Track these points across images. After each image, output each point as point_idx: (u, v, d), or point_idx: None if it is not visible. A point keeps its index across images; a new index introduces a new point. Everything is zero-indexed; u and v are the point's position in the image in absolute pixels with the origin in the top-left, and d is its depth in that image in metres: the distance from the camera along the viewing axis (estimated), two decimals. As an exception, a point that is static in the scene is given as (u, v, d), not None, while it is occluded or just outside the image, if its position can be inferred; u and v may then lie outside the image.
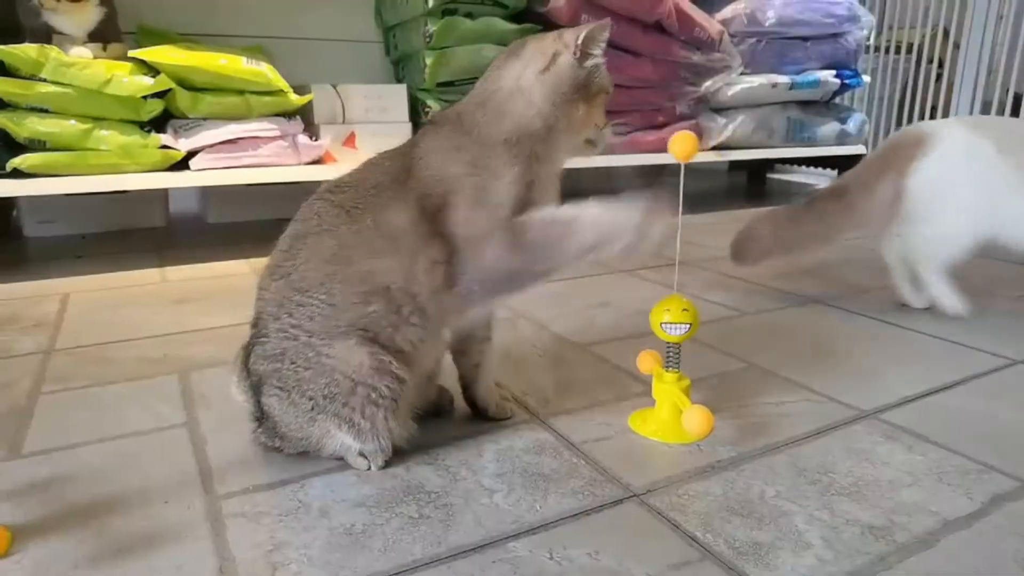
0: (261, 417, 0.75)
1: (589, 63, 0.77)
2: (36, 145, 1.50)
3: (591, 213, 0.72)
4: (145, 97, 1.56)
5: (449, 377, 0.87)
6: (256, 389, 0.74)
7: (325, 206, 0.74)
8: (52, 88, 1.46)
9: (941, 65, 3.04)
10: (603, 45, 0.78)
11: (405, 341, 0.72)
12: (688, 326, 0.80)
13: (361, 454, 0.74)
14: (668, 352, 0.83)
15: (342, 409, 0.71)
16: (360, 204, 0.72)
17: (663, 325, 0.81)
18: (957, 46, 2.93)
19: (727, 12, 2.41)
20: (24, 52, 1.43)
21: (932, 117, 3.06)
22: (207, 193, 2.14)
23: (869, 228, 1.32)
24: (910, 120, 3.15)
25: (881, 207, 1.26)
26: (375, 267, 0.70)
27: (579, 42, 0.76)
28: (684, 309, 0.80)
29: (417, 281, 0.71)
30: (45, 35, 1.53)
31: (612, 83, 0.81)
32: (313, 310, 0.70)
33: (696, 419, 0.77)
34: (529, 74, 0.76)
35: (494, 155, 0.73)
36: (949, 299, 1.25)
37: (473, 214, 0.72)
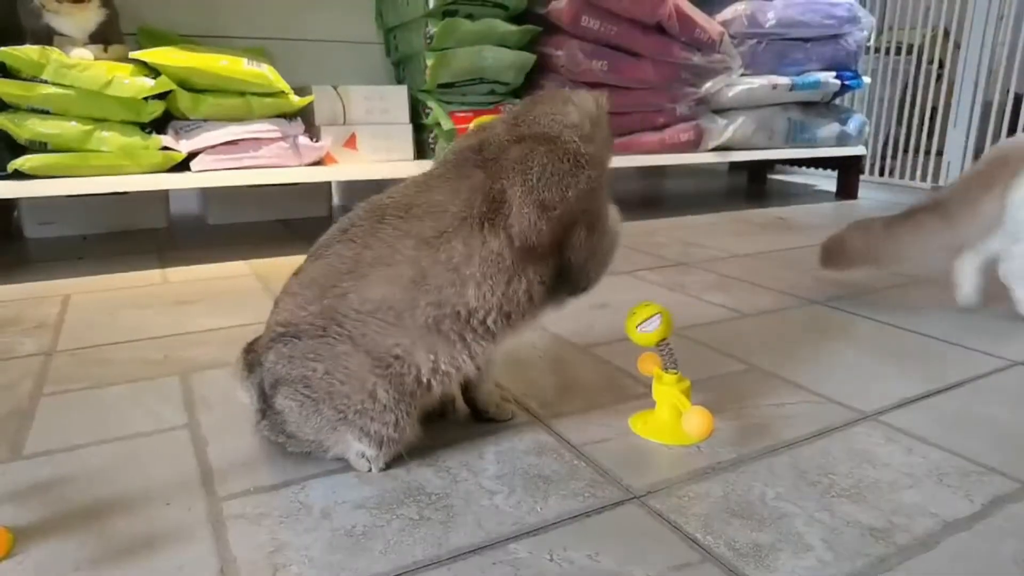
0: (266, 411, 0.74)
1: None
2: (37, 146, 1.50)
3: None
4: (146, 98, 1.56)
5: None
6: (271, 388, 0.73)
7: (396, 234, 0.71)
8: (53, 89, 1.46)
9: (941, 66, 3.04)
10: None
11: (456, 361, 0.72)
12: (658, 315, 0.81)
13: (363, 456, 0.75)
14: (662, 354, 0.83)
15: (369, 424, 0.71)
16: (443, 231, 0.70)
17: (639, 328, 0.81)
18: (957, 47, 2.93)
19: (727, 13, 2.41)
20: (25, 54, 1.43)
21: (932, 118, 3.06)
22: (208, 194, 2.15)
23: (965, 241, 1.29)
24: (910, 121, 3.15)
25: (983, 222, 1.23)
26: (458, 294, 0.70)
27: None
28: (645, 306, 0.82)
29: (510, 301, 0.72)
30: (46, 37, 1.53)
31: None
32: (369, 327, 0.69)
33: (696, 421, 0.78)
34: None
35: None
36: None
37: (593, 239, 0.78)
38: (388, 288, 0.69)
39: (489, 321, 0.72)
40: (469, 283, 0.70)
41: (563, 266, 0.76)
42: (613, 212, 0.83)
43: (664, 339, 0.82)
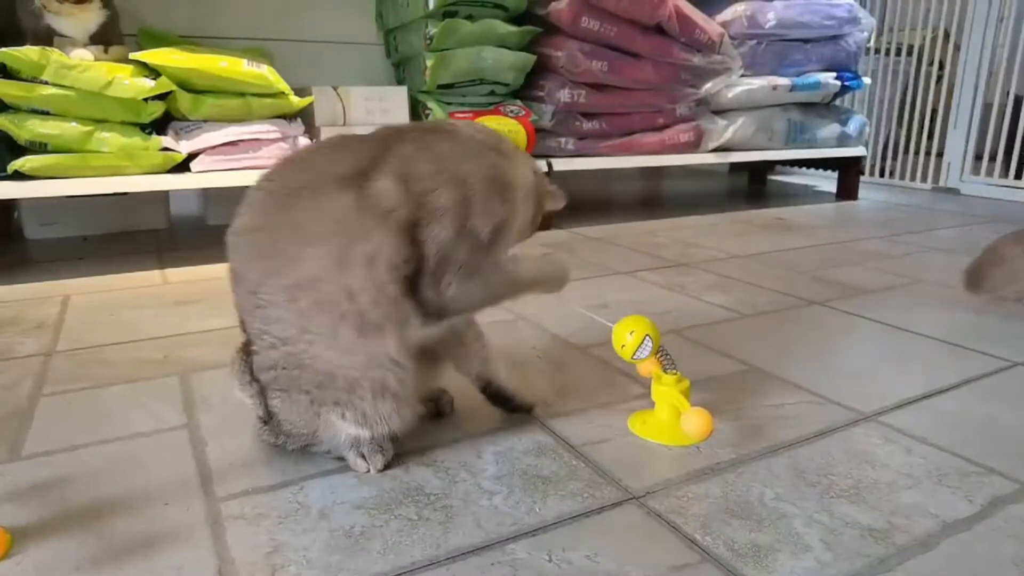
0: (267, 419, 0.75)
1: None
2: (37, 147, 1.50)
3: (532, 268, 0.80)
4: (146, 99, 1.56)
5: (449, 379, 0.87)
6: (262, 394, 0.74)
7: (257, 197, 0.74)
8: (53, 90, 1.46)
9: (942, 67, 3.04)
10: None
11: (373, 328, 0.69)
12: (647, 339, 0.81)
13: (360, 454, 0.75)
14: (659, 357, 0.83)
15: (340, 395, 0.70)
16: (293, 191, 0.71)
17: (635, 357, 0.82)
18: (958, 48, 2.93)
19: (727, 14, 2.41)
20: (25, 55, 1.43)
21: (933, 120, 3.06)
22: (208, 195, 2.15)
23: None
24: (911, 122, 3.15)
25: None
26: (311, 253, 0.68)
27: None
28: (631, 333, 0.81)
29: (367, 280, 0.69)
30: (46, 37, 1.53)
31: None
32: (271, 313, 0.70)
33: (695, 421, 0.77)
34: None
35: (490, 186, 0.73)
36: None
37: (456, 244, 0.71)
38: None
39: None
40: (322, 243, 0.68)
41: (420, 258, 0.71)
42: (535, 262, 0.81)
43: (657, 348, 0.82)
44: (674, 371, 0.84)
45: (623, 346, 0.82)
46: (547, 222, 0.86)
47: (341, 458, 0.76)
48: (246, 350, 0.75)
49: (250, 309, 0.72)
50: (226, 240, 0.74)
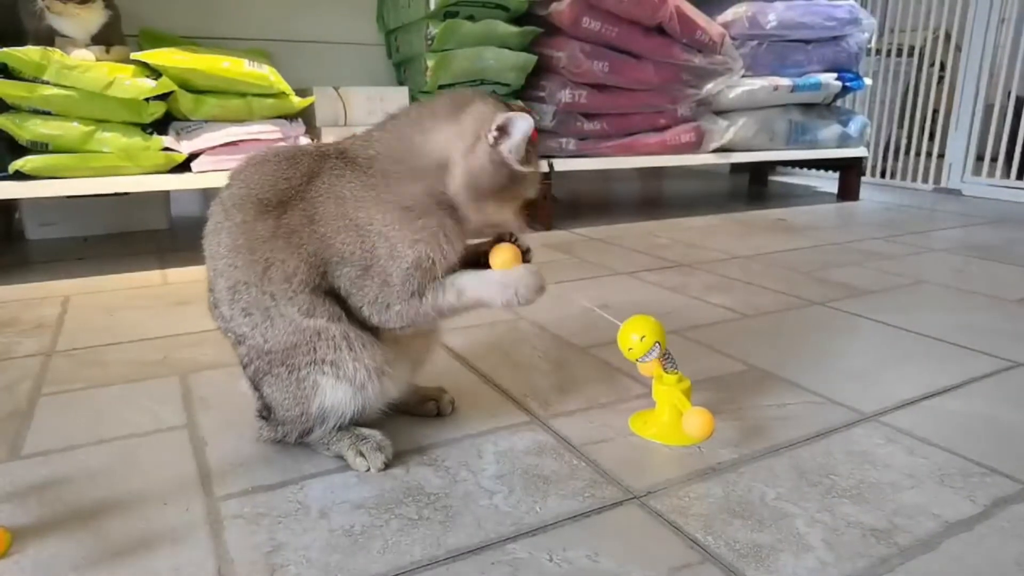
0: (266, 414, 0.77)
1: (513, 167, 0.73)
2: (38, 147, 1.50)
3: (472, 288, 0.74)
4: (147, 99, 1.56)
5: (448, 381, 0.87)
6: (256, 388, 0.77)
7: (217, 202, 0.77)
8: (54, 90, 1.46)
9: (943, 68, 3.04)
10: (526, 146, 0.73)
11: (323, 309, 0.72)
12: (656, 345, 0.80)
13: (360, 453, 0.74)
14: (660, 358, 0.83)
15: (313, 354, 0.72)
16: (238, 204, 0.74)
17: (640, 361, 0.82)
18: (959, 49, 2.93)
19: (728, 15, 2.41)
20: (27, 55, 1.43)
21: (934, 120, 3.06)
22: (209, 195, 2.14)
23: None
24: (912, 123, 3.14)
25: None
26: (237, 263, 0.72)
27: (495, 139, 0.71)
28: (642, 337, 0.81)
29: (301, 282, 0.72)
30: (48, 38, 1.53)
31: (534, 189, 0.77)
32: (223, 311, 0.74)
33: (696, 421, 0.77)
34: (456, 148, 0.72)
35: (399, 224, 0.71)
36: None
37: (364, 282, 0.72)
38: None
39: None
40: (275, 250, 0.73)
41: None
42: (456, 288, 0.75)
43: (664, 352, 0.82)
44: (675, 371, 0.83)
45: (630, 348, 0.81)
46: (534, 204, 0.80)
47: (341, 457, 0.76)
48: None
49: (210, 307, 0.77)
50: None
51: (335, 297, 0.73)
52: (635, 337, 0.81)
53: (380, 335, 0.76)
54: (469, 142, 0.72)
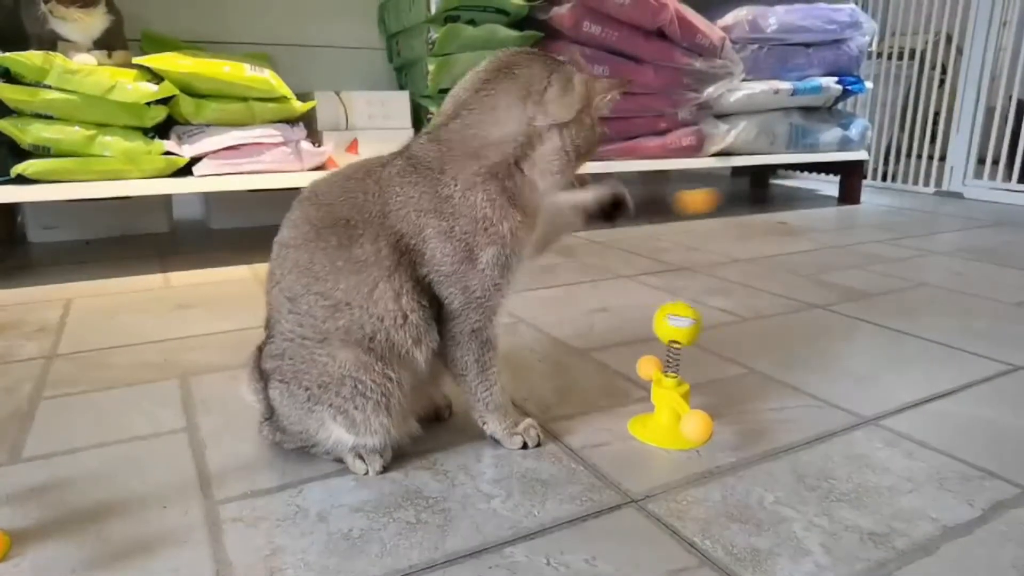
0: (269, 415, 0.78)
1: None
2: (40, 151, 1.50)
3: None
4: (149, 103, 1.57)
5: (448, 385, 0.87)
6: (265, 385, 0.76)
7: (303, 217, 0.74)
8: (57, 94, 1.47)
9: (944, 71, 3.04)
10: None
11: (383, 348, 0.72)
12: (692, 320, 0.80)
13: (359, 456, 0.75)
14: (668, 356, 0.83)
15: (335, 399, 0.71)
16: (329, 227, 0.71)
17: (668, 317, 0.80)
18: (960, 52, 2.93)
19: (729, 19, 2.41)
20: (29, 59, 1.44)
21: (935, 123, 3.06)
22: (210, 199, 2.15)
23: None
24: (913, 126, 3.14)
25: None
26: (339, 286, 0.70)
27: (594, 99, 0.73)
28: (686, 306, 0.81)
29: (377, 306, 0.71)
30: (50, 42, 1.54)
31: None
32: (301, 318, 0.72)
33: (695, 425, 0.77)
34: (541, 119, 0.71)
35: (473, 230, 0.71)
36: None
37: (450, 290, 0.73)
38: (295, 274, 0.73)
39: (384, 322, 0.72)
40: (347, 276, 0.71)
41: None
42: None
43: (679, 343, 0.82)
44: (674, 374, 0.83)
45: (672, 307, 0.80)
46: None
47: (340, 460, 0.76)
48: (260, 348, 0.78)
49: (284, 312, 0.74)
50: (272, 245, 0.76)
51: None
52: (679, 320, 0.80)
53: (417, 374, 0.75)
54: (574, 106, 0.71)
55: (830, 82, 2.50)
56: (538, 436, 0.81)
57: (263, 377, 0.77)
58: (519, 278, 0.76)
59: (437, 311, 0.74)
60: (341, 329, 0.71)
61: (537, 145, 0.72)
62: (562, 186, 0.76)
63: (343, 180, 0.75)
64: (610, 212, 0.85)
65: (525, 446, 0.80)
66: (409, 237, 0.71)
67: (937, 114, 3.07)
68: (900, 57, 3.19)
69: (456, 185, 0.71)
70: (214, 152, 1.64)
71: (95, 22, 1.57)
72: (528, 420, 0.81)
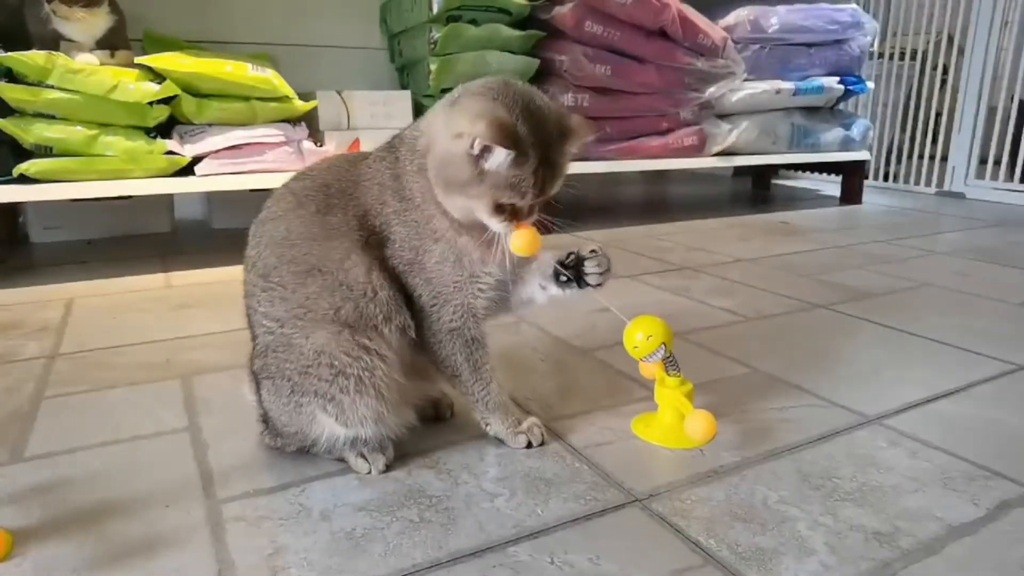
0: (266, 419, 0.78)
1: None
2: (43, 151, 1.50)
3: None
4: (151, 103, 1.57)
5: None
6: (258, 387, 0.77)
7: (285, 190, 0.77)
8: (59, 94, 1.47)
9: (946, 71, 3.04)
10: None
11: (351, 318, 0.72)
12: (661, 346, 0.80)
13: (361, 455, 0.74)
14: (664, 360, 0.83)
15: (318, 383, 0.71)
16: (310, 195, 0.75)
17: (644, 361, 0.82)
18: (962, 52, 2.93)
19: (731, 19, 2.41)
20: (31, 59, 1.44)
21: (937, 124, 3.06)
22: (212, 199, 2.15)
23: None
24: (915, 126, 3.14)
25: None
26: (312, 250, 0.72)
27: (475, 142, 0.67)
28: (649, 337, 0.80)
29: (348, 275, 0.72)
30: (53, 42, 1.54)
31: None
32: (272, 293, 0.73)
33: (699, 424, 0.77)
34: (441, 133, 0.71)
35: (418, 220, 0.74)
36: None
37: (415, 280, 0.75)
38: (271, 247, 0.75)
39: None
40: (321, 241, 0.74)
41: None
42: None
43: (669, 353, 0.82)
44: (677, 374, 0.83)
45: (635, 347, 0.81)
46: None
47: (342, 460, 0.76)
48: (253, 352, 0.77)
49: (257, 293, 0.75)
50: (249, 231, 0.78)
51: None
52: (640, 336, 0.81)
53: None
54: (453, 132, 0.68)
55: (832, 82, 2.50)
56: (542, 435, 0.80)
57: (255, 379, 0.77)
58: (496, 286, 0.76)
59: (408, 299, 0.75)
60: (311, 298, 0.71)
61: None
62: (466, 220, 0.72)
63: (332, 159, 0.80)
64: (577, 271, 0.82)
65: (529, 445, 0.80)
66: (373, 215, 0.74)
67: (939, 114, 3.07)
68: (902, 57, 3.19)
69: (410, 166, 0.74)
70: (216, 152, 1.64)
71: (98, 22, 1.57)
72: (531, 419, 0.81)
